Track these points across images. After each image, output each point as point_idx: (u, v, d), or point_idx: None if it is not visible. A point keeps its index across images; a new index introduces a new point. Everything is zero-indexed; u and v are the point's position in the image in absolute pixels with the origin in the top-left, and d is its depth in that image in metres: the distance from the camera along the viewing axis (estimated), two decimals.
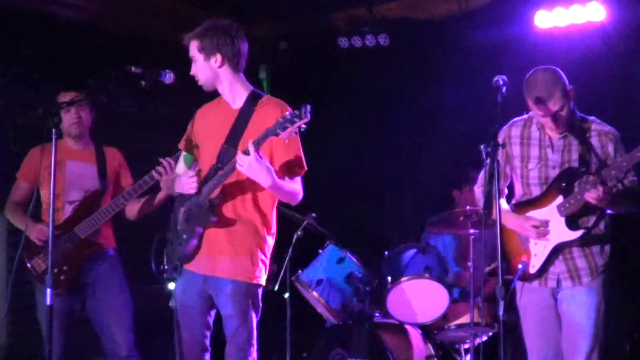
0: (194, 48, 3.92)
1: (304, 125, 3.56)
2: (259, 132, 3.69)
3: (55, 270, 4.64)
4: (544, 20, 6.13)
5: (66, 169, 4.85)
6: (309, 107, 3.51)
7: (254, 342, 3.96)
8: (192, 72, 3.96)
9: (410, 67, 7.05)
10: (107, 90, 4.24)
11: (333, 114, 7.37)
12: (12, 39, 5.62)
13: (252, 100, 3.94)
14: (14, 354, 5.60)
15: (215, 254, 3.90)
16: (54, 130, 3.81)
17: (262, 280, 3.98)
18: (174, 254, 3.98)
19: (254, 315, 3.96)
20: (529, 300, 4.18)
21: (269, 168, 3.66)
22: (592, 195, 3.84)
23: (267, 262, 4.01)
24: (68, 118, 4.85)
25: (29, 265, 4.72)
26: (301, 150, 3.92)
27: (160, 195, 4.80)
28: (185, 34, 3.95)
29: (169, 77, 4.03)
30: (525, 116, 4.19)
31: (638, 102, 5.93)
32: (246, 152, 3.60)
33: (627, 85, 5.97)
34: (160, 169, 4.52)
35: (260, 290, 3.99)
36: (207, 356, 4.04)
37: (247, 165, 3.60)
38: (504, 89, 3.73)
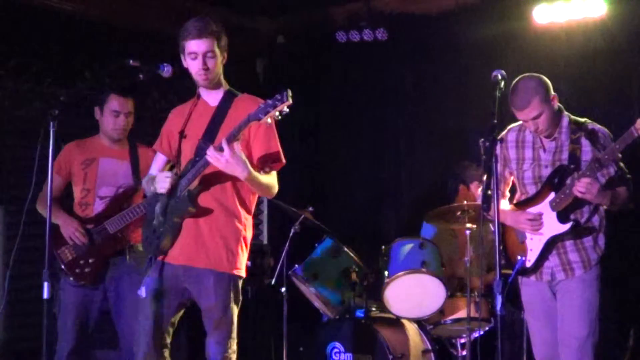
0: (211, 44, 3.91)
1: (286, 109, 3.63)
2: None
3: (81, 262, 4.74)
4: (543, 15, 6.11)
5: (98, 166, 4.91)
6: (289, 91, 3.62)
7: (235, 335, 3.95)
8: (208, 66, 3.91)
9: (408, 61, 7.04)
10: (105, 83, 4.24)
11: (330, 108, 7.36)
12: (10, 31, 5.60)
13: (229, 98, 4.01)
14: (11, 348, 5.59)
15: (197, 244, 3.90)
16: (51, 124, 3.79)
17: (243, 272, 3.99)
18: (151, 247, 3.98)
19: (235, 308, 3.94)
20: (531, 294, 4.30)
21: (244, 161, 3.72)
22: (577, 188, 3.97)
23: (247, 253, 4.02)
24: (113, 123, 4.92)
25: (55, 253, 4.74)
26: (279, 144, 3.98)
27: None
28: (208, 29, 3.91)
29: (167, 71, 4.02)
30: (520, 122, 4.26)
31: (637, 98, 5.93)
32: (220, 149, 3.67)
33: (627, 81, 5.96)
34: None
35: (240, 282, 3.99)
36: (167, 352, 3.99)
37: (224, 162, 3.67)
38: (502, 84, 3.75)
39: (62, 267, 4.75)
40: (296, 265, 5.63)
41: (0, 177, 5.14)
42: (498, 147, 4.16)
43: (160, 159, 4.22)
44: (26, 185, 4.09)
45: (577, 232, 4.13)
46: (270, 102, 3.66)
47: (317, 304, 5.66)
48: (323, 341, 5.44)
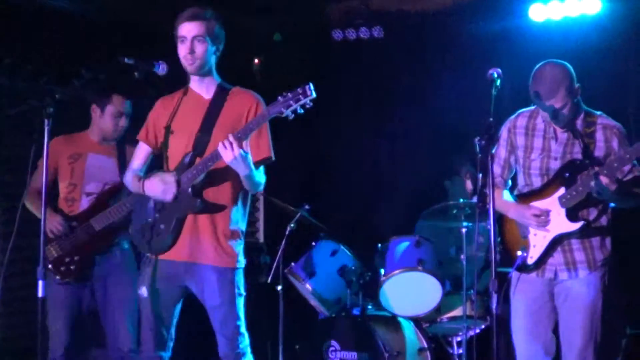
0: (201, 29, 3.87)
1: (310, 103, 3.60)
2: (231, 122, 3.83)
3: (67, 260, 4.71)
4: (539, 12, 6.12)
5: (86, 161, 4.89)
6: (311, 84, 3.57)
7: (244, 330, 3.95)
8: (195, 50, 3.87)
9: (404, 59, 7.04)
10: (100, 81, 4.23)
11: (327, 107, 7.34)
12: (6, 29, 5.59)
13: (222, 92, 3.98)
14: (8, 346, 5.58)
15: (199, 240, 3.89)
16: (46, 122, 3.78)
17: (242, 263, 3.99)
18: (149, 246, 3.95)
19: (240, 302, 3.94)
20: (523, 291, 4.16)
21: (249, 159, 3.74)
22: (594, 187, 3.82)
23: (243, 243, 4.02)
24: (115, 124, 4.93)
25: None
26: (270, 145, 3.95)
27: None
28: (201, 14, 3.90)
29: (162, 69, 4.00)
30: (532, 108, 4.17)
31: (633, 96, 5.93)
32: (228, 143, 3.64)
33: (623, 78, 5.96)
34: None
35: (241, 273, 3.98)
36: (171, 344, 4.03)
37: (232, 157, 3.65)
38: (498, 82, 3.72)
39: (49, 265, 4.69)
40: (292, 263, 5.63)
41: None
42: (505, 133, 4.14)
43: (144, 150, 4.15)
44: (21, 183, 4.08)
45: (586, 231, 4.01)
46: (290, 95, 3.62)
47: (313, 302, 5.65)
48: (319, 339, 5.44)
